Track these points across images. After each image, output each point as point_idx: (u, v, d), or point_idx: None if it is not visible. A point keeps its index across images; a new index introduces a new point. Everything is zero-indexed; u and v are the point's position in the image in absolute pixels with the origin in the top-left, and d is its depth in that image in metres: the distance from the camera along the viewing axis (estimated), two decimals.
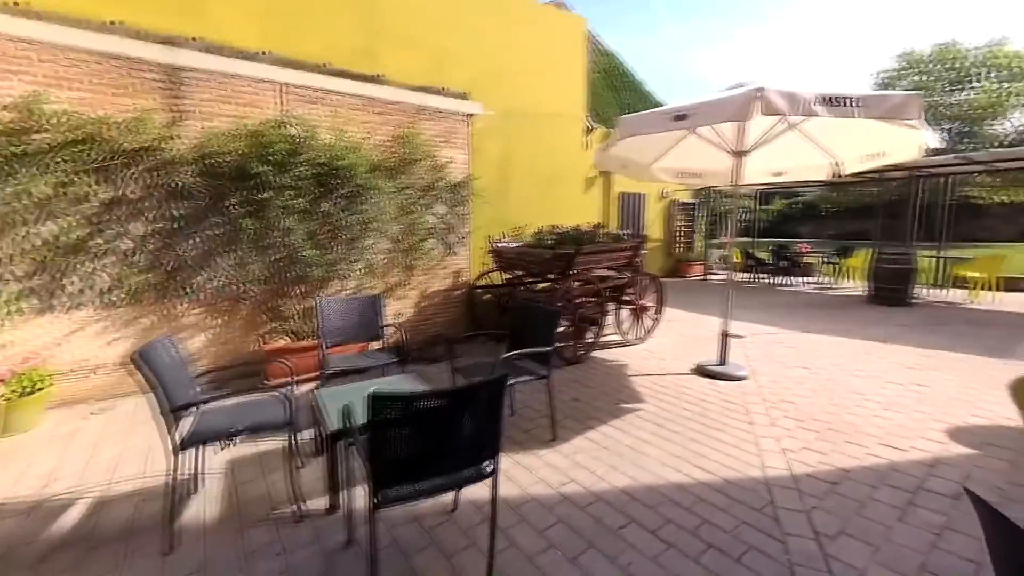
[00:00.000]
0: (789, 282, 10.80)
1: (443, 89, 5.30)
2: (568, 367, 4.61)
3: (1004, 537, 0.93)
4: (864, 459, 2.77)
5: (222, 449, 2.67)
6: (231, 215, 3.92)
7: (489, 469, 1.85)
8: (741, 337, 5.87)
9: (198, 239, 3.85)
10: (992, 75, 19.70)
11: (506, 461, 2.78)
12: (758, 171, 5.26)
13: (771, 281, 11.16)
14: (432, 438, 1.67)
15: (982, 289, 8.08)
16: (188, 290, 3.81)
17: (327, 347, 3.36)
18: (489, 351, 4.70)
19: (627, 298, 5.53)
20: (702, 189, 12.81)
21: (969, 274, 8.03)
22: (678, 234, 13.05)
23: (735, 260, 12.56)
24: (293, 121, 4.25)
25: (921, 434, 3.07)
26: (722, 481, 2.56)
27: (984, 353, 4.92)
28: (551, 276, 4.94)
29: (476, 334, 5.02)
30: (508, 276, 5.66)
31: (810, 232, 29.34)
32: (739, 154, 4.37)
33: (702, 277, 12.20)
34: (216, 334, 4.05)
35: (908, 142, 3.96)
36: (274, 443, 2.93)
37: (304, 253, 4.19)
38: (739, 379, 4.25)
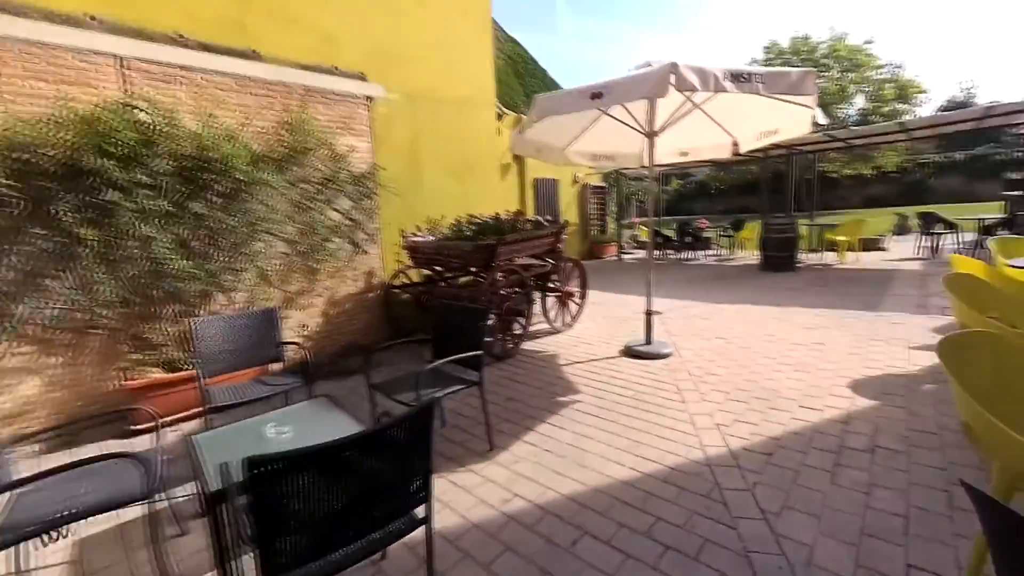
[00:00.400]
0: (693, 256, 11.58)
1: (336, 69, 4.70)
2: (498, 364, 4.39)
3: (1007, 528, 0.85)
4: (789, 424, 2.88)
5: (50, 543, 2.03)
6: (62, 224, 3.08)
7: (421, 515, 1.54)
8: (660, 313, 6.06)
9: (14, 258, 2.97)
10: (835, 66, 22.67)
11: (441, 484, 2.48)
12: (666, 151, 5.39)
13: (678, 256, 11.89)
14: (341, 498, 1.32)
15: (848, 251, 9.24)
16: (5, 325, 2.93)
17: (206, 378, 2.76)
18: (412, 356, 4.32)
19: (552, 285, 5.43)
20: (611, 173, 13.24)
21: (838, 238, 9.13)
22: (592, 217, 13.39)
23: (645, 239, 13.24)
24: (142, 104, 3.46)
25: (830, 391, 3.29)
26: (667, 470, 2.50)
27: (861, 308, 5.54)
28: (473, 269, 4.65)
29: (396, 343, 4.60)
30: (428, 272, 5.27)
31: (703, 209, 32.19)
32: (651, 134, 4.38)
33: (616, 257, 12.67)
34: (56, 376, 3.20)
35: (798, 118, 4.22)
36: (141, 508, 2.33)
37: (172, 265, 3.46)
38: (665, 356, 4.32)
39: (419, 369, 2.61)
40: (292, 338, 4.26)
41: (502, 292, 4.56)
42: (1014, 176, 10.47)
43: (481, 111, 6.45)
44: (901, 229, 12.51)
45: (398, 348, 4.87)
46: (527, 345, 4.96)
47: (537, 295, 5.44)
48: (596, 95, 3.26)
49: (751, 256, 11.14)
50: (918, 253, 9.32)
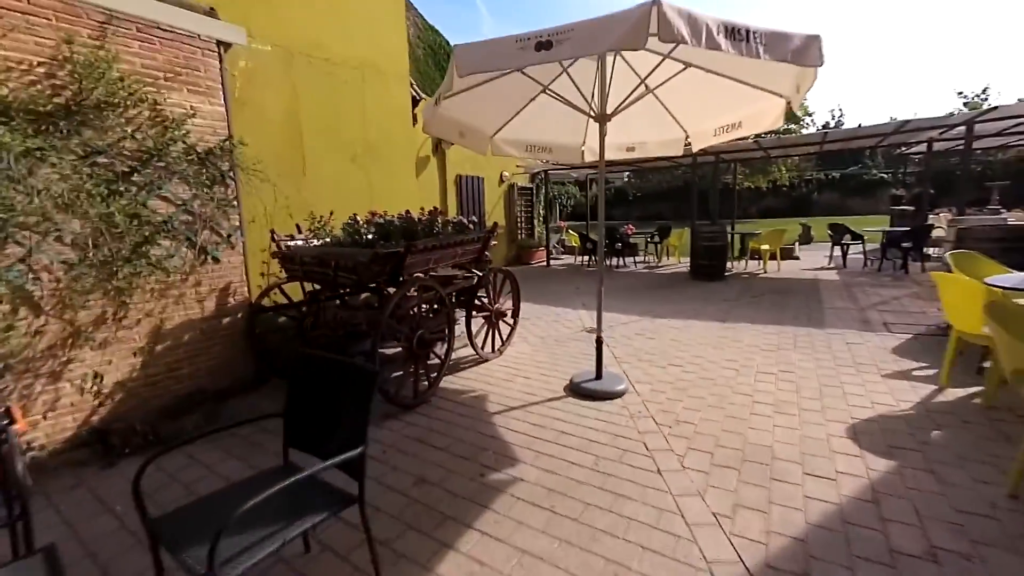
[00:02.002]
0: (623, 263, 11.21)
1: None
2: (407, 415, 3.24)
3: None
4: (808, 509, 2.11)
5: None
6: None
7: None
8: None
9: None
10: None
11: None
12: (611, 146, 4.59)
13: (608, 263, 11.45)
14: None
15: (771, 259, 9.33)
16: None
17: None
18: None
19: (479, 303, 4.38)
20: (538, 173, 12.53)
21: (762, 247, 9.17)
22: (519, 220, 12.58)
23: (573, 243, 12.71)
24: None
25: (831, 445, 2.62)
26: None
27: (807, 323, 5.20)
28: (373, 285, 3.44)
29: (216, 430, 3.28)
30: (314, 287, 3.95)
31: (622, 215, 33.18)
32: (603, 118, 3.51)
33: (545, 263, 11.96)
34: None
35: (767, 111, 3.60)
36: None
37: None
38: (620, 394, 3.47)
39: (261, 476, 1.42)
40: (71, 394, 2.76)
41: (413, 313, 3.42)
42: (898, 193, 11.45)
43: (390, 84, 5.21)
44: (805, 239, 13.28)
45: (271, 389, 3.56)
46: (448, 380, 3.86)
47: (460, 315, 4.37)
48: (543, 44, 2.28)
49: (678, 263, 11.01)
50: (829, 263, 9.67)
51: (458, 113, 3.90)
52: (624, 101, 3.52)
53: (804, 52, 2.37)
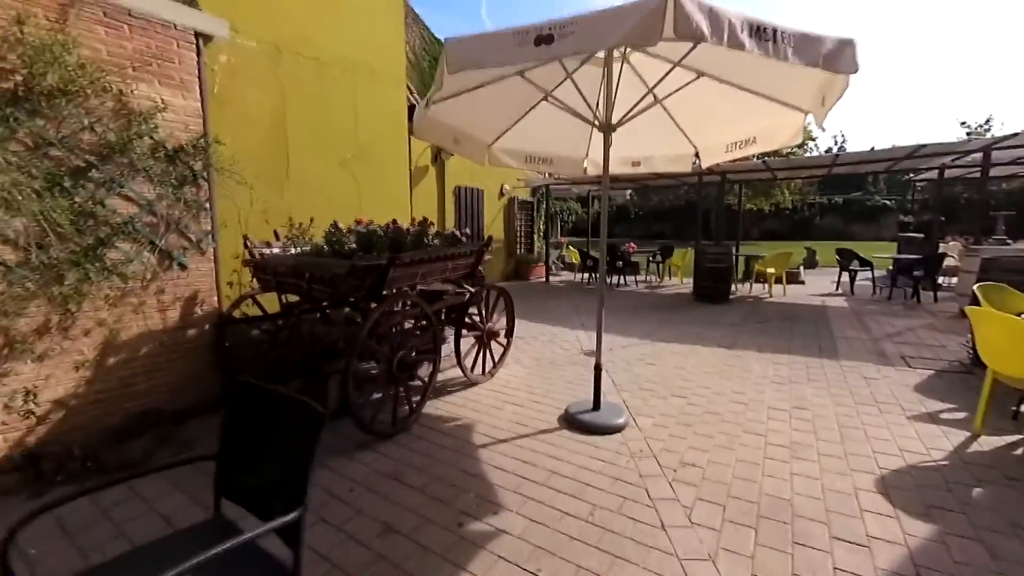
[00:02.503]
0: (624, 281, 10.93)
1: None
2: (383, 445, 2.91)
3: None
4: None
5: None
6: None
7: None
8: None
9: None
10: None
11: None
12: (615, 160, 4.36)
13: (608, 281, 11.17)
14: None
15: (776, 283, 9.05)
16: None
17: None
18: None
19: (470, 321, 4.07)
20: (539, 187, 12.34)
21: (767, 270, 8.90)
22: (519, 234, 12.36)
23: (573, 260, 12.45)
24: None
25: (861, 502, 2.29)
26: None
27: (818, 354, 4.90)
28: (354, 299, 3.14)
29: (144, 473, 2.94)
30: (291, 299, 3.65)
31: (623, 232, 33.04)
32: (607, 128, 3.26)
33: (544, 279, 11.69)
34: None
35: (784, 126, 3.36)
36: None
37: None
38: (619, 429, 3.15)
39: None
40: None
41: (395, 332, 3.11)
42: (906, 220, 11.24)
43: (384, 86, 4.96)
44: (810, 263, 13.02)
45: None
46: (432, 405, 3.54)
47: (449, 332, 4.06)
48: (544, 38, 2.03)
49: (681, 284, 10.73)
50: (837, 289, 9.39)
51: (453, 118, 3.65)
52: (631, 111, 3.28)
53: (836, 57, 2.11)
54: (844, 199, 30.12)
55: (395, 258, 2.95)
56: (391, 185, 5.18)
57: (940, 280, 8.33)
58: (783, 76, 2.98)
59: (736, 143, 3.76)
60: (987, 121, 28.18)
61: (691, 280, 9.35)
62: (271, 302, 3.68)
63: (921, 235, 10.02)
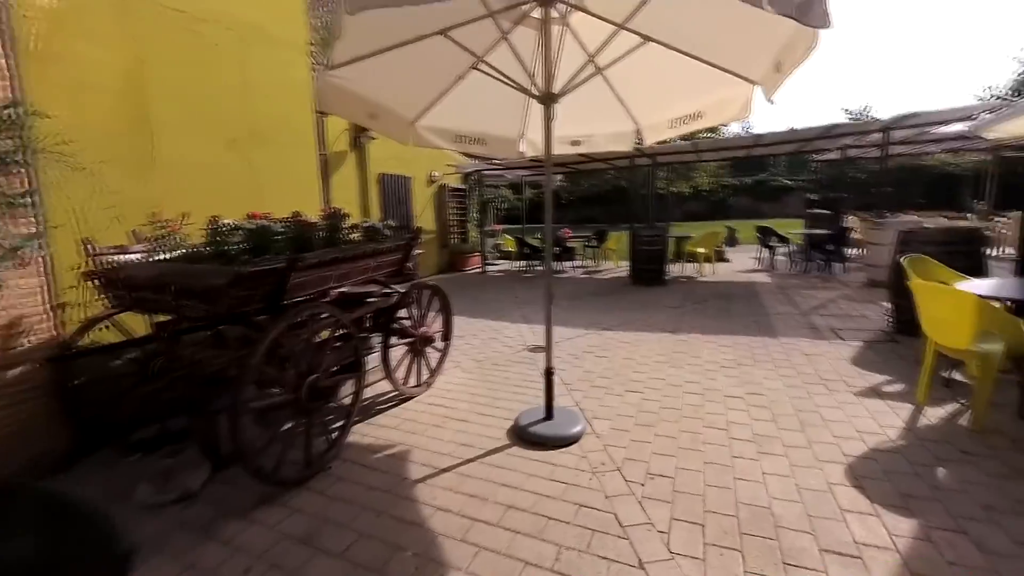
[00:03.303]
0: (561, 267, 10.77)
1: None
2: (293, 495, 2.34)
3: None
4: None
5: None
6: None
7: None
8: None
9: None
10: None
11: None
12: (556, 139, 3.95)
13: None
14: None
15: (706, 262, 9.31)
16: None
17: None
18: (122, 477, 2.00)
19: (399, 326, 3.53)
20: (471, 174, 11.79)
21: (698, 250, 9.11)
22: (452, 224, 11.76)
23: (510, 248, 12.09)
24: None
25: (838, 502, 2.12)
26: None
27: (759, 332, 4.93)
28: (247, 311, 2.48)
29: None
30: (165, 318, 2.87)
31: (556, 218, 32.98)
32: (548, 98, 2.85)
33: (480, 269, 11.23)
34: None
35: (733, 99, 3.13)
36: None
37: None
38: (576, 439, 2.81)
39: None
40: None
41: (304, 349, 2.51)
42: (813, 197, 12.11)
43: (283, 54, 4.12)
44: (731, 241, 13.73)
45: (92, 467, 2.42)
46: (358, 431, 2.99)
47: (376, 339, 3.50)
48: None
49: (617, 267, 10.78)
50: (759, 265, 9.88)
51: (366, 88, 3.05)
52: (573, 79, 2.89)
53: (807, 9, 1.84)
54: (754, 180, 32.53)
55: (296, 260, 2.35)
56: (297, 172, 4.42)
57: (848, 252, 8.99)
58: (736, 42, 2.74)
59: (681, 118, 3.51)
60: (865, 108, 31.66)
61: (627, 263, 9.37)
62: (140, 322, 2.89)
63: (828, 212, 10.84)
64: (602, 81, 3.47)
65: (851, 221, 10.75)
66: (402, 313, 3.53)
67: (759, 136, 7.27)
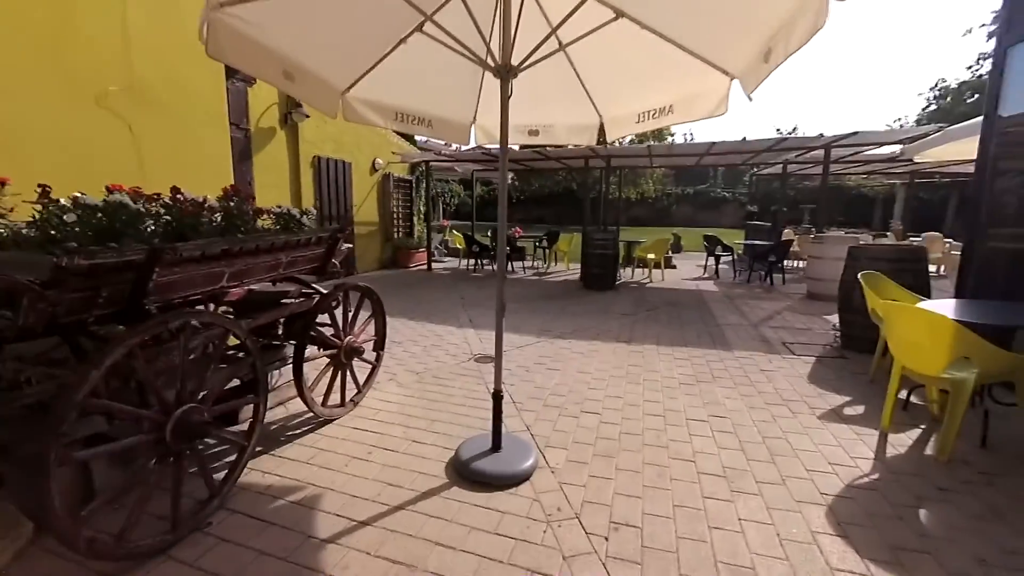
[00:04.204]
0: (511, 268, 10.37)
1: None
2: (158, 563, 1.72)
3: None
4: None
5: None
6: None
7: None
8: (493, 360, 4.21)
9: None
10: None
11: None
12: (512, 127, 3.52)
13: (494, 267, 10.51)
14: None
15: (655, 268, 9.29)
16: None
17: None
18: None
19: (318, 334, 2.93)
20: (418, 164, 11.09)
21: (648, 255, 9.06)
22: (396, 216, 11.01)
23: (458, 245, 11.52)
24: None
25: (827, 559, 1.84)
26: None
27: (713, 345, 4.78)
28: (85, 320, 1.81)
29: None
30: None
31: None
32: (506, 70, 2.40)
33: (426, 267, 10.58)
34: None
35: (707, 94, 2.82)
36: None
37: None
38: (527, 476, 2.38)
39: None
40: None
41: (166, 373, 1.89)
42: (752, 209, 12.60)
43: None
44: (676, 247, 14.02)
45: None
46: (258, 463, 2.38)
47: (288, 350, 2.88)
48: None
49: (567, 270, 10.55)
50: (704, 273, 10.03)
51: (279, 39, 2.43)
52: (535, 52, 2.45)
53: None
54: (695, 190, 34.04)
55: (159, 251, 1.72)
56: (200, 145, 3.64)
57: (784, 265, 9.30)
58: (718, 25, 2.43)
59: (649, 112, 3.18)
60: (794, 129, 34.07)
61: (577, 265, 9.15)
62: None
63: (768, 224, 11.27)
64: (565, 63, 3.09)
65: (786, 234, 11.23)
66: (324, 319, 2.94)
67: (712, 143, 7.28)
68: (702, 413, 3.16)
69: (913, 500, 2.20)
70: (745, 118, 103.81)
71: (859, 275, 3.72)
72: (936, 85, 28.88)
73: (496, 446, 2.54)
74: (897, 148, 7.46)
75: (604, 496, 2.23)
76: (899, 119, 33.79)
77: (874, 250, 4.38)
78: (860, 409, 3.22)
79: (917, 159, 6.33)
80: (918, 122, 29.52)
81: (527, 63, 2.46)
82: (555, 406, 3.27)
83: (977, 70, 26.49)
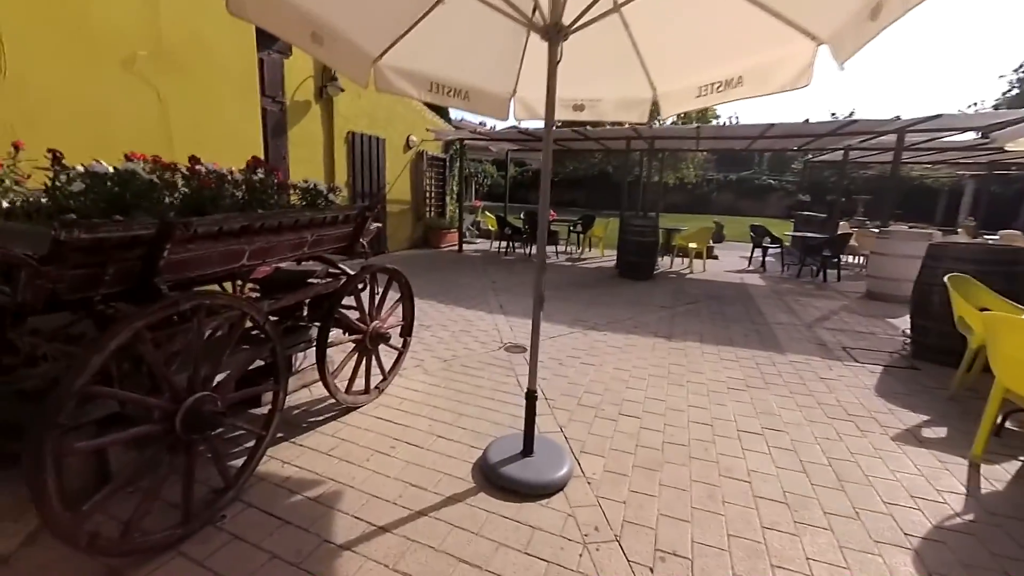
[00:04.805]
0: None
1: None
2: (163, 561, 1.61)
3: None
4: None
5: None
6: None
7: None
8: (524, 350, 4.01)
9: None
10: None
11: None
12: (558, 101, 3.21)
13: (526, 251, 10.25)
14: None
15: (697, 258, 8.80)
16: None
17: None
18: None
19: (343, 317, 2.78)
20: (453, 142, 10.84)
21: (690, 245, 8.57)
22: (429, 195, 10.85)
23: (490, 227, 11.29)
24: None
25: None
26: None
27: (762, 345, 4.40)
28: (91, 298, 1.68)
29: None
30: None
31: (537, 199, 32.41)
32: (555, 30, 2.10)
33: (456, 248, 10.42)
34: None
35: (786, 62, 2.44)
36: None
37: None
38: (561, 486, 2.17)
39: None
40: None
41: (176, 357, 1.76)
42: (804, 198, 11.75)
43: None
44: (718, 237, 13.31)
45: None
46: (277, 453, 2.27)
47: (313, 331, 2.74)
48: None
49: (602, 257, 10.17)
50: (749, 265, 9.45)
51: None
52: (588, 10, 2.14)
53: None
54: (737, 176, 32.41)
55: (171, 226, 1.56)
56: (229, 115, 3.51)
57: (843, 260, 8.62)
58: None
59: (714, 85, 2.78)
60: (851, 113, 31.71)
61: (613, 252, 8.77)
62: None
63: (823, 215, 10.47)
64: (618, 26, 2.75)
65: (842, 226, 10.42)
66: (350, 302, 2.78)
67: (771, 125, 6.67)
68: (755, 424, 2.85)
69: (1018, 550, 1.86)
70: (792, 100, 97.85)
71: (946, 278, 3.26)
72: (1021, 67, 26.04)
73: (528, 450, 2.33)
74: (972, 135, 6.66)
75: (647, 516, 2.00)
76: (974, 104, 30.86)
77: (959, 249, 3.87)
78: (941, 431, 2.83)
79: (1010, 147, 5.59)
80: (996, 107, 26.84)
81: (579, 23, 2.15)
82: (590, 406, 3.03)
83: None
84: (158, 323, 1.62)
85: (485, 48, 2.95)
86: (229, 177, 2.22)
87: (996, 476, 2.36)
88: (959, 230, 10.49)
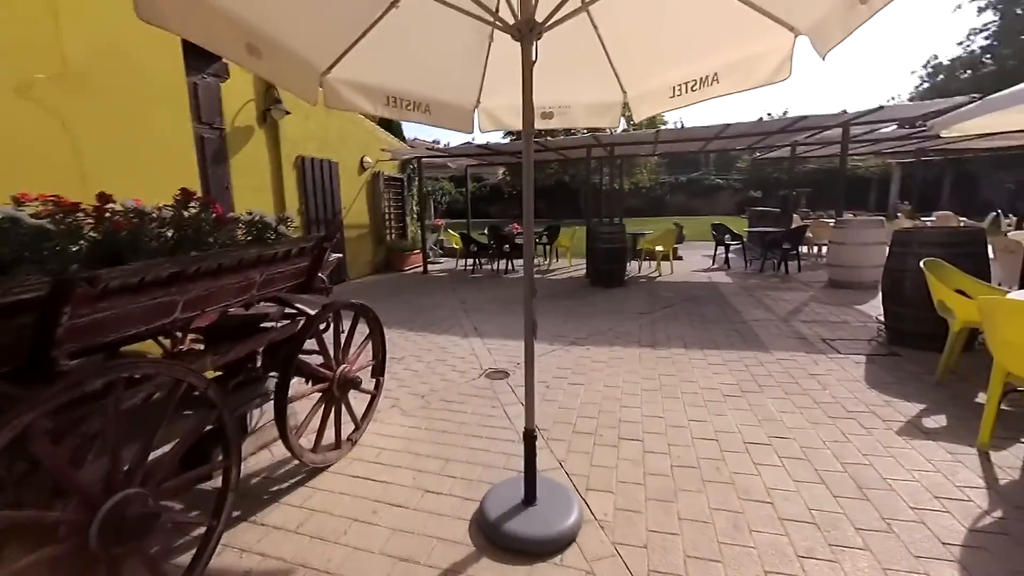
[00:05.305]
0: (512, 266, 9.87)
1: None
2: None
3: None
4: None
5: None
6: None
7: None
8: (508, 375, 3.76)
9: None
10: None
11: None
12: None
13: (494, 267, 10.02)
14: None
15: (664, 260, 8.85)
16: None
17: None
18: None
19: (305, 365, 2.43)
20: (409, 162, 10.54)
21: (656, 248, 8.61)
22: (388, 217, 10.46)
23: (454, 245, 11.01)
24: None
25: None
26: None
27: (745, 345, 4.34)
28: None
29: None
30: None
31: (498, 212, 32.38)
32: (528, 28, 1.90)
33: (421, 269, 10.06)
34: None
35: (763, 58, 2.35)
36: None
37: None
38: (572, 539, 1.92)
39: None
40: None
41: (84, 448, 1.40)
42: (756, 195, 12.19)
43: None
44: (679, 237, 13.58)
45: None
46: (231, 537, 1.89)
47: (270, 383, 2.39)
48: None
49: (570, 266, 10.08)
50: (713, 263, 9.61)
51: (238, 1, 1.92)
52: (560, 6, 1.96)
53: None
54: (687, 178, 33.66)
55: (68, 284, 1.22)
56: (159, 142, 3.11)
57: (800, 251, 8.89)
58: None
59: (688, 84, 2.67)
60: (784, 113, 33.70)
61: (581, 261, 8.69)
62: None
63: (778, 209, 10.86)
64: (586, 27, 2.60)
65: (798, 219, 10.84)
66: (312, 345, 2.44)
67: (727, 125, 6.82)
68: (760, 434, 2.71)
69: None
70: (719, 104, 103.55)
71: (922, 263, 3.28)
72: (928, 62, 28.58)
73: (530, 498, 2.06)
74: (895, 126, 7.05)
75: (674, 562, 1.77)
76: (892, 98, 33.62)
77: (924, 234, 3.95)
78: (941, 420, 2.79)
79: (944, 134, 5.91)
80: (911, 99, 29.30)
81: (554, 19, 1.97)
82: (587, 432, 2.81)
83: (968, 46, 26.25)
84: (61, 407, 1.27)
85: (445, 55, 2.74)
86: (154, 215, 1.87)
87: (1008, 463, 2.30)
88: (898, 215, 11.13)
